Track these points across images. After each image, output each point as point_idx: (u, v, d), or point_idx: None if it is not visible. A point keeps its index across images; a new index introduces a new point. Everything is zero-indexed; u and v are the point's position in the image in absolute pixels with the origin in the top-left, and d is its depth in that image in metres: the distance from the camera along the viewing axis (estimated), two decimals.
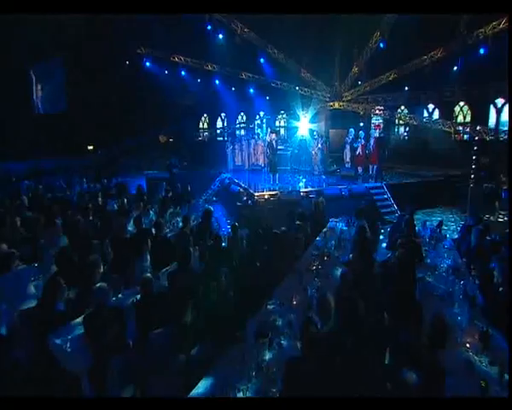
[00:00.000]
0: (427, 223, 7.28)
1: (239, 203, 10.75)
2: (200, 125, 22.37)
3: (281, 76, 17.45)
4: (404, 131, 19.11)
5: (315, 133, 14.12)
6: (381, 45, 14.41)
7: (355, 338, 2.72)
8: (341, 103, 17.64)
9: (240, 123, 21.62)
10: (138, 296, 4.13)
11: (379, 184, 12.06)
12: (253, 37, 16.00)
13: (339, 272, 4.59)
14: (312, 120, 18.36)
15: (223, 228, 10.53)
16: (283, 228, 7.23)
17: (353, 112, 17.55)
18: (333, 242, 6.79)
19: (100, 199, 8.50)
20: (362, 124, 17.44)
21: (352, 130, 14.17)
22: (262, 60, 16.61)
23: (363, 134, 13.57)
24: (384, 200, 11.66)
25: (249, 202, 10.63)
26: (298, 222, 7.71)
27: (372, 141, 13.40)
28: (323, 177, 13.70)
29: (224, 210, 12.79)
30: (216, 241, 5.88)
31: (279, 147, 13.35)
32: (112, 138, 15.36)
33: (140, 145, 15.94)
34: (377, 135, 13.81)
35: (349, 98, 17.68)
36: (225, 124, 22.11)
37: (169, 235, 7.31)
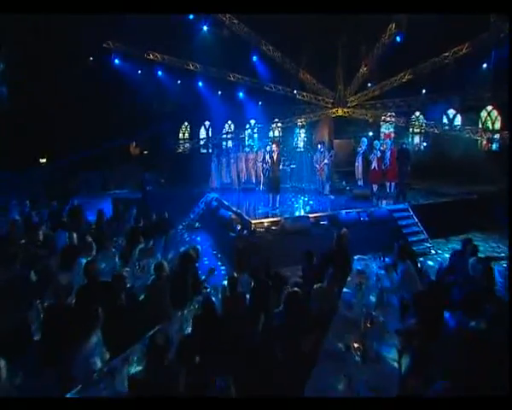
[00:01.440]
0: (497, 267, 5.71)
1: (232, 234, 9.08)
2: (181, 135, 21.18)
3: (276, 78, 16.37)
4: (421, 141, 18.08)
5: (320, 146, 12.63)
6: (398, 39, 13.17)
7: None
8: (346, 110, 16.52)
9: (227, 133, 20.61)
10: None
11: (403, 206, 10.60)
12: (243, 30, 14.67)
13: (392, 353, 3.49)
14: (312, 130, 17.86)
15: (211, 265, 8.84)
16: (299, 279, 5.65)
17: (360, 119, 16.52)
18: (372, 297, 5.18)
19: (40, 233, 6.62)
20: (371, 133, 16.32)
21: (364, 139, 12.92)
22: (254, 58, 15.46)
23: (378, 144, 12.30)
24: (410, 225, 10.21)
25: (244, 231, 9.00)
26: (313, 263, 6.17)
27: (389, 153, 12.06)
28: (332, 197, 12.24)
29: (211, 240, 11.11)
30: (206, 309, 4.12)
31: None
32: (70, 148, 13.54)
33: (106, 158, 14.27)
34: (388, 144, 12.31)
35: (355, 104, 16.59)
36: (210, 134, 21.07)
37: (137, 285, 5.64)
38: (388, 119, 16.76)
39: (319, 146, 12.65)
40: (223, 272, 8.70)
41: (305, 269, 6.00)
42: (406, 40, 13.35)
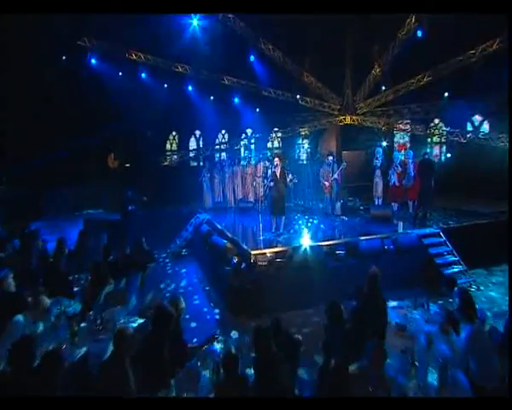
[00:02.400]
0: None
1: (227, 268, 7.70)
2: (168, 146, 19.99)
3: (276, 81, 15.48)
4: (441, 152, 16.96)
5: (329, 158, 11.33)
6: (419, 34, 12.07)
7: None
8: (355, 117, 15.56)
9: (220, 144, 19.65)
10: None
11: (434, 230, 9.31)
12: (239, 26, 13.55)
13: None
14: (317, 140, 17.01)
15: (203, 308, 7.44)
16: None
17: (371, 128, 15.46)
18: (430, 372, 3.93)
19: None
20: (384, 143, 15.12)
21: (379, 149, 11.75)
22: (252, 58, 14.40)
23: (398, 156, 11.09)
24: (444, 254, 8.93)
25: (242, 265, 7.62)
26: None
27: (412, 166, 10.86)
28: (345, 218, 10.93)
29: (201, 272, 9.72)
30: None
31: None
32: (31, 159, 12.21)
33: (78, 171, 13.03)
34: (411, 155, 11.17)
35: (365, 110, 15.65)
36: (201, 144, 19.93)
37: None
38: (403, 127, 15.71)
39: (329, 158, 11.30)
40: (216, 317, 7.32)
41: (330, 328, 4.58)
42: (427, 36, 12.23)
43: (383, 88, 15.07)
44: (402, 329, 4.98)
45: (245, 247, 8.11)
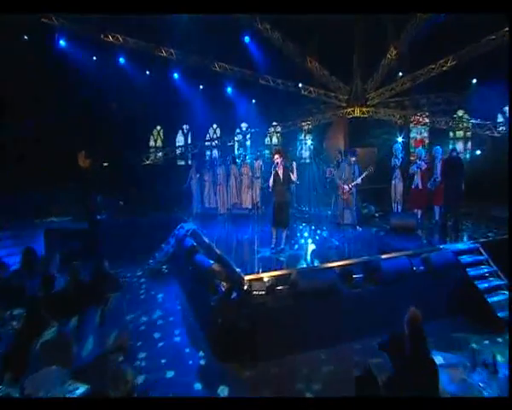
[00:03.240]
0: None
1: (213, 296, 6.26)
2: (151, 143, 19.20)
3: (275, 68, 15.03)
4: (466, 149, 16.00)
5: (353, 159, 9.57)
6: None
7: None
8: (365, 109, 14.98)
9: (212, 139, 18.98)
10: None
11: (471, 245, 7.95)
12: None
13: None
14: (322, 136, 16.72)
15: (185, 348, 6.33)
16: None
17: (384, 121, 15.03)
18: None
19: None
20: (400, 139, 14.19)
21: (399, 146, 10.54)
22: (247, 39, 14.19)
23: (423, 152, 9.79)
24: (487, 276, 7.50)
25: (233, 294, 6.18)
26: None
27: (439, 165, 9.57)
28: (359, 229, 9.60)
29: (183, 296, 8.34)
30: None
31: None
32: None
33: (44, 172, 11.93)
34: (439, 152, 9.96)
35: (377, 101, 15.04)
36: (189, 140, 19.23)
37: None
38: (421, 119, 14.98)
39: (351, 159, 9.58)
40: (200, 363, 5.94)
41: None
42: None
43: (400, 74, 14.48)
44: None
45: (237, 269, 6.65)
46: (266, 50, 14.56)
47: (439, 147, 10.02)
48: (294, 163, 8.00)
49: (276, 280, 6.43)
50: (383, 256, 7.25)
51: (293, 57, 14.58)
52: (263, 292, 6.20)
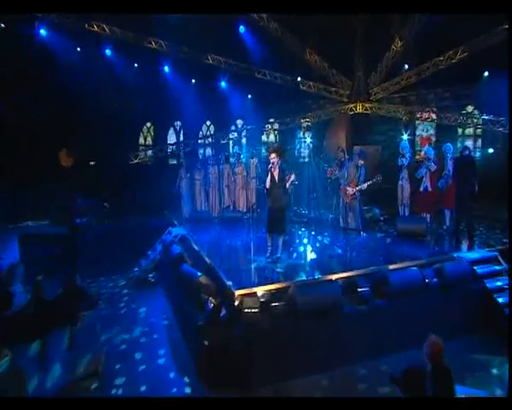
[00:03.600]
0: None
1: (200, 314, 5.63)
2: (141, 140, 18.78)
3: (272, 60, 14.81)
4: (476, 147, 15.58)
5: (361, 162, 9.26)
6: None
7: None
8: (368, 104, 14.81)
9: (205, 137, 18.62)
10: None
11: (489, 254, 7.36)
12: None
13: None
14: (322, 133, 16.25)
15: (170, 372, 5.69)
16: None
17: (389, 118, 14.83)
18: None
19: None
20: (405, 136, 13.83)
21: (406, 144, 10.21)
22: (242, 29, 13.82)
23: (432, 151, 9.22)
24: (506, 288, 6.83)
25: (222, 312, 5.53)
26: None
27: (450, 164, 9.07)
28: (363, 235, 9.01)
29: (169, 309, 7.69)
30: None
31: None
32: None
33: (20, 172, 11.52)
34: (450, 150, 9.51)
35: (380, 96, 14.86)
36: (181, 138, 18.88)
37: None
38: (427, 115, 14.66)
39: (360, 162, 9.27)
40: (186, 391, 5.35)
41: None
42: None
43: (405, 67, 14.20)
44: None
45: (227, 283, 6.01)
46: (263, 42, 14.27)
47: (449, 144, 9.54)
48: (293, 176, 7.41)
49: (271, 295, 5.79)
50: (391, 267, 6.64)
51: (292, 49, 14.32)
52: (256, 309, 5.55)
